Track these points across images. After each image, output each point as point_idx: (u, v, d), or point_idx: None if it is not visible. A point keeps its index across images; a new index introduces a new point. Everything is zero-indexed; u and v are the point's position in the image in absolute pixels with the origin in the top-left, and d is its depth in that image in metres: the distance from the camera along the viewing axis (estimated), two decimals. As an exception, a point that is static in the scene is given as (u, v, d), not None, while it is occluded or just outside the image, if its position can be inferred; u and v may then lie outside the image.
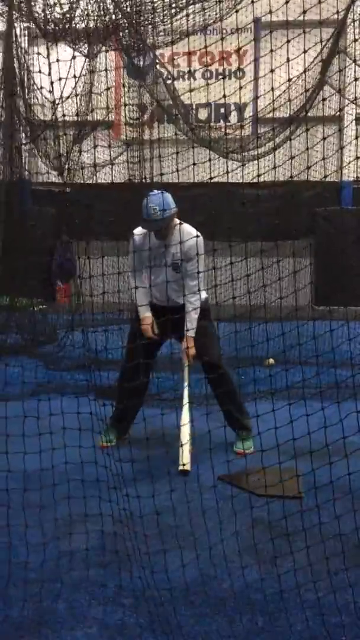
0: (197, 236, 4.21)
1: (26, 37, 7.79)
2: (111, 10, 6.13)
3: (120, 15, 6.18)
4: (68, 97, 4.68)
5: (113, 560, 2.83)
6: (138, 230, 4.30)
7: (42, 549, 2.84)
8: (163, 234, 4.20)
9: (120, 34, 6.55)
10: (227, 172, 3.71)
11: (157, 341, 4.32)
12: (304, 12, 2.98)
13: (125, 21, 6.25)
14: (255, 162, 8.28)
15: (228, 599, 2.59)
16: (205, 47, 3.19)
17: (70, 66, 3.38)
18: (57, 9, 5.90)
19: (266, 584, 2.65)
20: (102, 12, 6.09)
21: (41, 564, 2.78)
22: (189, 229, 4.25)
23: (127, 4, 6.06)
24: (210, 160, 3.90)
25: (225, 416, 4.28)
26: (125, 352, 4.57)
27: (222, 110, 12.50)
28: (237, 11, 6.03)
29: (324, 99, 8.55)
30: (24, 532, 2.83)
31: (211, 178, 3.31)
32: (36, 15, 6.02)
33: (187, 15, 6.00)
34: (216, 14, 6.23)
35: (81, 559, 2.86)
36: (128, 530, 2.89)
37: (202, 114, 12.51)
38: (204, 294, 4.45)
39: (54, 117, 6.54)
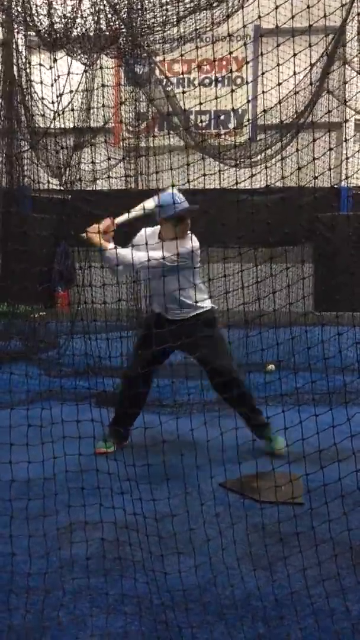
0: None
1: (25, 45, 7.80)
2: (110, 18, 6.14)
3: (119, 24, 6.18)
4: (68, 105, 4.71)
5: (114, 567, 2.83)
6: (147, 230, 4.33)
7: (43, 558, 2.84)
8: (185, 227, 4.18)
9: (120, 42, 6.55)
10: (220, 175, 3.72)
11: (163, 351, 4.22)
12: (292, 17, 2.98)
13: (125, 30, 6.26)
14: (256, 167, 8.30)
15: (229, 606, 2.59)
16: (198, 46, 3.18)
17: (68, 75, 3.38)
18: (56, 18, 5.90)
19: (266, 591, 2.65)
20: (101, 21, 6.10)
21: (43, 572, 2.77)
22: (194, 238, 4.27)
23: (125, 12, 6.06)
24: (201, 162, 3.90)
25: (243, 419, 4.28)
26: (131, 359, 4.57)
27: (222, 117, 12.53)
28: (228, 16, 6.07)
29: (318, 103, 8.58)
30: (18, 540, 2.82)
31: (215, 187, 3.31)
32: (35, 23, 6.02)
33: (180, 19, 5.99)
34: (215, 19, 6.23)
35: (82, 567, 2.85)
36: (129, 537, 2.88)
37: (201, 121, 12.52)
38: (209, 302, 4.44)
39: (53, 124, 6.55)
